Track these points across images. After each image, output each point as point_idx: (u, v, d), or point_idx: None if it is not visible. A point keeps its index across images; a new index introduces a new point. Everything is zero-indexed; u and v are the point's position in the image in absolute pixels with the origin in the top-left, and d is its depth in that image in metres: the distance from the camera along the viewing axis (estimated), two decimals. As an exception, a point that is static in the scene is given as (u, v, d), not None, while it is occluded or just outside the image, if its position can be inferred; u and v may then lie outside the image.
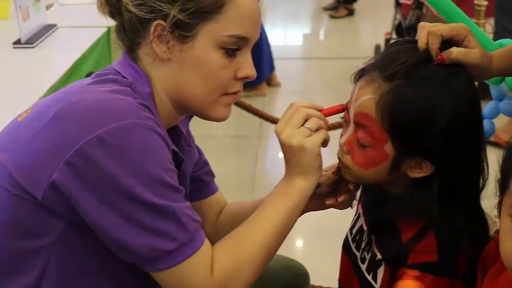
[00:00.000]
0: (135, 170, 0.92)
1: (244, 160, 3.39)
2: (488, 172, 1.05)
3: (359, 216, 1.19)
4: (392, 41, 4.66)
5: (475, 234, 1.04)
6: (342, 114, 1.08)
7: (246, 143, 3.61)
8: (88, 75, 1.10)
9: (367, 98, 0.99)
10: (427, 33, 1.00)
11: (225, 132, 3.67)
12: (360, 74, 1.04)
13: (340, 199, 1.15)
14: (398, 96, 0.97)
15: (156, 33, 1.01)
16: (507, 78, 1.56)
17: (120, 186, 0.91)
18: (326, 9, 6.48)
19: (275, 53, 4.39)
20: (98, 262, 1.01)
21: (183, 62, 1.02)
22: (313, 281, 1.50)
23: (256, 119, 3.04)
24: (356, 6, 6.35)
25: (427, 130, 0.97)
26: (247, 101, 2.93)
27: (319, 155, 1.04)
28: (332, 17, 6.28)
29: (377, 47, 4.83)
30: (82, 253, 0.99)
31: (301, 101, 1.07)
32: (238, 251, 1.00)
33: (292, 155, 1.03)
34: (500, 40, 1.53)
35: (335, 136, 1.09)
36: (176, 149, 1.05)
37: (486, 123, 1.44)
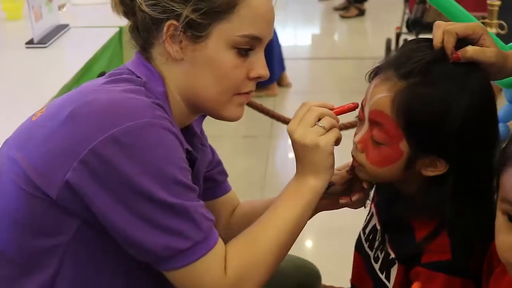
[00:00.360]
0: (149, 169, 0.92)
1: (254, 160, 3.40)
2: None
3: (372, 215, 1.18)
4: (402, 35, 4.74)
5: (488, 234, 1.03)
6: (356, 113, 1.08)
7: (257, 143, 3.62)
8: (100, 75, 1.10)
9: (382, 96, 1.00)
10: (442, 31, 1.00)
11: (236, 132, 3.67)
12: (375, 73, 1.04)
13: (354, 198, 1.15)
14: (414, 94, 0.97)
15: (169, 33, 1.01)
16: None
17: (134, 185, 0.92)
18: (336, 9, 6.48)
19: (285, 53, 4.39)
20: (112, 261, 1.01)
21: (195, 62, 1.02)
22: (324, 281, 1.50)
23: (267, 119, 3.05)
24: (366, 5, 6.34)
25: (442, 128, 0.97)
26: (258, 101, 2.93)
27: (332, 154, 1.04)
28: (342, 17, 6.27)
29: (388, 42, 4.85)
30: (96, 252, 1.00)
31: (313, 101, 1.07)
32: (251, 250, 1.01)
33: (305, 154, 1.04)
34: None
35: (347, 136, 1.09)
36: (190, 148, 1.05)
37: (500, 126, 1.43)
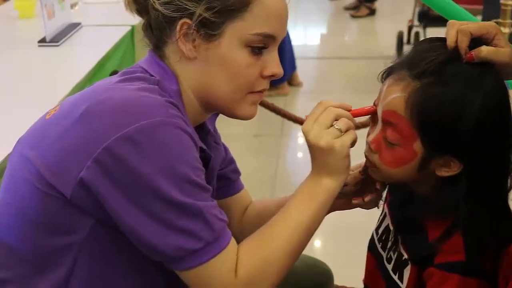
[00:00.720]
0: (162, 168, 0.92)
1: (265, 159, 3.40)
2: None
3: (385, 216, 1.18)
4: (414, 28, 4.74)
5: (502, 235, 1.03)
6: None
7: (268, 142, 3.61)
8: (113, 73, 1.10)
9: (396, 96, 0.99)
10: (456, 31, 0.99)
11: (246, 131, 3.67)
12: (388, 73, 1.04)
13: (366, 199, 1.14)
14: (428, 94, 0.96)
15: (182, 31, 1.01)
16: None
17: (147, 184, 0.92)
18: (347, 8, 6.47)
19: (296, 53, 4.38)
20: (126, 259, 1.01)
21: (209, 61, 1.02)
22: (336, 281, 1.50)
23: (278, 118, 3.04)
24: (377, 5, 6.32)
25: (456, 128, 0.96)
26: (268, 100, 2.93)
27: (348, 156, 1.03)
28: (353, 16, 6.26)
29: (400, 35, 4.87)
30: (110, 250, 1.00)
31: (329, 100, 1.05)
32: (264, 250, 1.00)
33: (320, 155, 1.02)
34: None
35: (361, 135, 1.08)
36: (204, 147, 1.05)
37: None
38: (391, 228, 1.13)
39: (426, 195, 1.05)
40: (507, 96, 1.03)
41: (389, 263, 1.11)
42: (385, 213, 1.18)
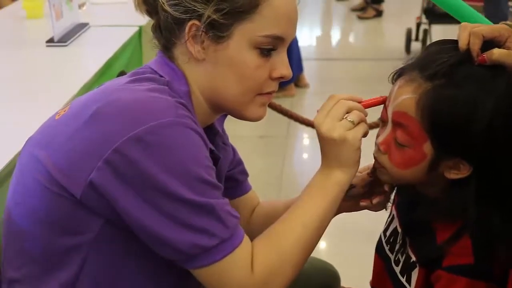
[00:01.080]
0: (173, 168, 0.92)
1: (271, 160, 3.40)
2: None
3: (393, 218, 1.18)
4: (422, 25, 4.75)
5: (512, 238, 1.02)
6: (380, 109, 1.07)
7: (274, 144, 3.62)
8: (120, 73, 1.11)
9: (406, 97, 0.99)
10: (468, 33, 0.99)
11: (253, 132, 3.68)
12: (399, 74, 1.03)
13: (374, 201, 1.14)
14: (439, 96, 0.96)
15: (190, 33, 1.01)
16: None
17: (159, 184, 0.92)
18: (354, 10, 6.47)
19: (303, 54, 4.39)
20: (135, 260, 1.01)
21: (217, 62, 1.02)
22: (343, 283, 1.49)
23: (284, 119, 3.04)
24: (384, 6, 6.32)
25: (467, 130, 0.96)
26: (275, 101, 2.93)
27: (359, 148, 1.03)
28: (360, 18, 6.26)
29: (408, 31, 4.88)
30: (119, 251, 1.00)
31: (340, 94, 1.05)
32: (278, 247, 1.00)
33: (332, 148, 1.02)
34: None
35: (370, 136, 1.08)
36: (213, 148, 1.05)
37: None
38: (399, 230, 1.13)
39: (435, 197, 1.05)
40: None
41: (397, 265, 1.11)
42: (393, 215, 1.18)
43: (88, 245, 0.99)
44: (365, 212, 1.19)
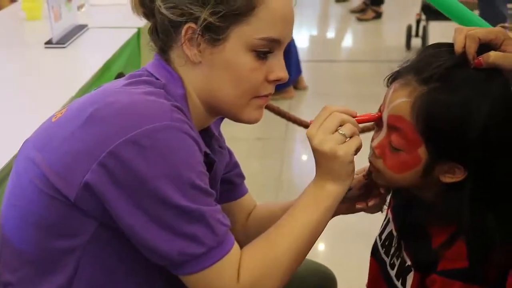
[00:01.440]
0: (167, 173, 0.92)
1: (269, 162, 3.40)
2: None
3: (388, 221, 1.18)
4: (422, 21, 4.79)
5: (506, 242, 1.02)
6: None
7: (272, 146, 3.61)
8: (118, 75, 1.11)
9: (402, 101, 0.99)
10: (464, 36, 0.99)
11: (251, 134, 3.67)
12: (394, 77, 1.03)
13: (370, 203, 1.14)
14: (434, 100, 0.96)
15: (187, 36, 1.01)
16: None
17: (151, 188, 0.92)
18: (353, 11, 6.47)
19: (301, 56, 4.39)
20: (127, 263, 1.01)
21: (214, 65, 1.02)
22: (339, 285, 1.49)
23: (282, 121, 3.04)
24: (384, 8, 6.32)
25: (462, 134, 0.96)
26: (274, 103, 2.93)
27: (352, 161, 1.03)
28: (359, 19, 6.26)
29: (409, 28, 4.91)
30: (113, 254, 1.00)
31: (334, 105, 1.05)
32: (267, 255, 1.00)
33: (324, 161, 1.02)
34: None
35: (365, 139, 1.08)
36: (208, 151, 1.05)
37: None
38: (395, 233, 1.13)
39: (430, 201, 1.05)
40: None
41: (392, 269, 1.11)
42: (389, 218, 1.18)
43: (82, 247, 0.99)
44: (362, 214, 1.19)
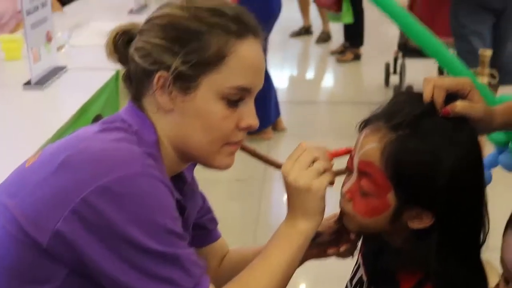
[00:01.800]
0: (140, 219, 0.93)
1: (247, 203, 3.40)
2: (489, 226, 1.05)
3: (359, 266, 1.19)
4: (399, 59, 4.87)
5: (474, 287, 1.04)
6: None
7: (250, 187, 3.61)
8: (96, 117, 1.12)
9: (372, 146, 1.01)
10: (432, 86, 1.02)
11: (229, 176, 3.66)
12: (366, 123, 1.06)
13: (342, 249, 1.15)
14: (403, 147, 0.98)
15: (159, 84, 1.02)
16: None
17: (125, 235, 0.92)
18: (333, 52, 6.54)
19: (281, 97, 4.40)
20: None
21: (185, 113, 1.03)
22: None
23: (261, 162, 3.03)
24: (362, 50, 6.41)
25: (430, 181, 0.98)
26: (252, 144, 2.92)
27: (323, 198, 1.05)
28: (339, 61, 6.33)
29: (387, 66, 5.03)
30: (83, 300, 1.00)
31: (308, 141, 1.08)
32: None
33: (297, 196, 1.04)
34: (501, 96, 1.56)
35: (337, 184, 1.10)
36: (180, 198, 1.06)
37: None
38: (364, 279, 1.14)
39: (399, 247, 1.06)
40: (480, 150, 1.05)
41: (363, 314, 1.12)
42: (359, 263, 1.19)
43: (54, 294, 0.98)
44: (336, 259, 1.20)
